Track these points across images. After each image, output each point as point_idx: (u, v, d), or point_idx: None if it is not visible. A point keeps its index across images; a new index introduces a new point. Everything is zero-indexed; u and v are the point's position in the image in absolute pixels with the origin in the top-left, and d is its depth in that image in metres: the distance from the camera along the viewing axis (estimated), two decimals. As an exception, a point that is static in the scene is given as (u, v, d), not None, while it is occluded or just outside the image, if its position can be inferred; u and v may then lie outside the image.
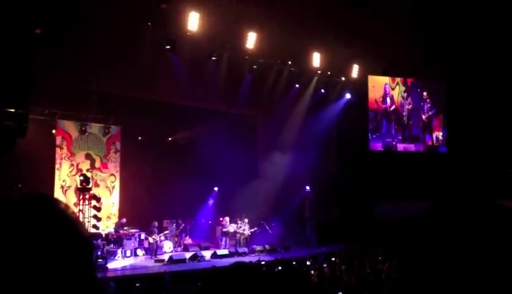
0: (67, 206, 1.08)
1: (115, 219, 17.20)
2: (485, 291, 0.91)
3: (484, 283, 0.91)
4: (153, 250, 15.74)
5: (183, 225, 17.36)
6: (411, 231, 1.03)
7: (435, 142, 22.25)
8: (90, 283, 1.02)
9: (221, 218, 17.65)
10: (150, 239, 15.89)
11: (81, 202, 15.05)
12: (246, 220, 17.62)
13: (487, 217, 0.97)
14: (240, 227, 17.40)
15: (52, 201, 1.06)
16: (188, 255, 15.22)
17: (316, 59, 18.03)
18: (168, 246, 16.36)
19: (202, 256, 15.11)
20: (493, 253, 0.92)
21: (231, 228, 17.28)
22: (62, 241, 0.98)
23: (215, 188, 18.92)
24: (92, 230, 15.11)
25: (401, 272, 1.03)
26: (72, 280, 0.97)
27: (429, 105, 22.34)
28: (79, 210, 15.29)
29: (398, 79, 21.85)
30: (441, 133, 22.33)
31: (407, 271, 1.01)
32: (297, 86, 18.70)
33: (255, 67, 16.80)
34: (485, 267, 0.91)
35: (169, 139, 19.48)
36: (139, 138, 18.47)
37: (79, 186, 15.86)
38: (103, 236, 15.28)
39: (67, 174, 16.64)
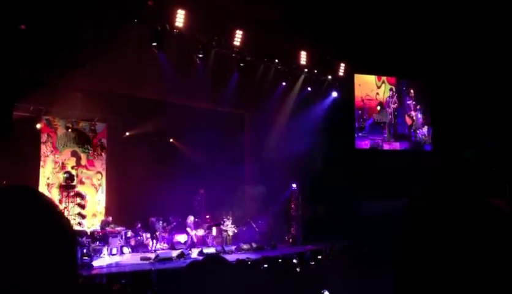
0: (50, 199, 1.08)
1: (101, 217, 17.06)
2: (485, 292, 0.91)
3: (483, 285, 0.92)
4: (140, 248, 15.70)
5: (174, 223, 17.23)
6: (409, 235, 1.03)
7: (420, 140, 22.45)
8: (72, 275, 1.02)
9: (207, 216, 17.61)
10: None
11: (66, 199, 14.91)
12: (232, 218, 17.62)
13: (484, 220, 0.97)
14: (227, 225, 17.40)
15: (37, 193, 1.06)
16: (175, 253, 15.17)
17: (303, 57, 18.06)
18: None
19: (189, 254, 15.07)
20: (491, 257, 0.93)
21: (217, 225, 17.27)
22: (46, 232, 0.98)
23: (201, 191, 18.80)
24: (77, 228, 15.00)
25: (401, 276, 1.03)
26: (54, 269, 0.97)
27: (415, 103, 22.54)
28: (64, 207, 15.18)
29: (384, 78, 21.98)
30: (426, 131, 22.55)
31: (406, 273, 1.01)
32: (284, 84, 18.70)
33: (242, 64, 16.75)
34: (484, 270, 0.92)
35: (155, 137, 19.38)
36: (126, 134, 18.36)
37: (63, 183, 15.68)
38: (89, 233, 15.17)
39: (51, 172, 16.47)
